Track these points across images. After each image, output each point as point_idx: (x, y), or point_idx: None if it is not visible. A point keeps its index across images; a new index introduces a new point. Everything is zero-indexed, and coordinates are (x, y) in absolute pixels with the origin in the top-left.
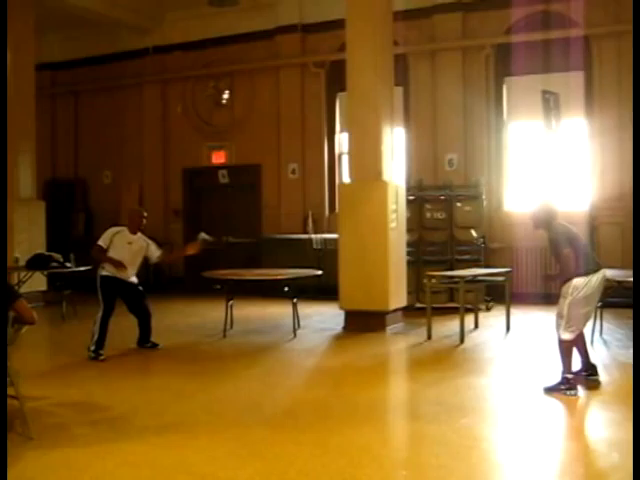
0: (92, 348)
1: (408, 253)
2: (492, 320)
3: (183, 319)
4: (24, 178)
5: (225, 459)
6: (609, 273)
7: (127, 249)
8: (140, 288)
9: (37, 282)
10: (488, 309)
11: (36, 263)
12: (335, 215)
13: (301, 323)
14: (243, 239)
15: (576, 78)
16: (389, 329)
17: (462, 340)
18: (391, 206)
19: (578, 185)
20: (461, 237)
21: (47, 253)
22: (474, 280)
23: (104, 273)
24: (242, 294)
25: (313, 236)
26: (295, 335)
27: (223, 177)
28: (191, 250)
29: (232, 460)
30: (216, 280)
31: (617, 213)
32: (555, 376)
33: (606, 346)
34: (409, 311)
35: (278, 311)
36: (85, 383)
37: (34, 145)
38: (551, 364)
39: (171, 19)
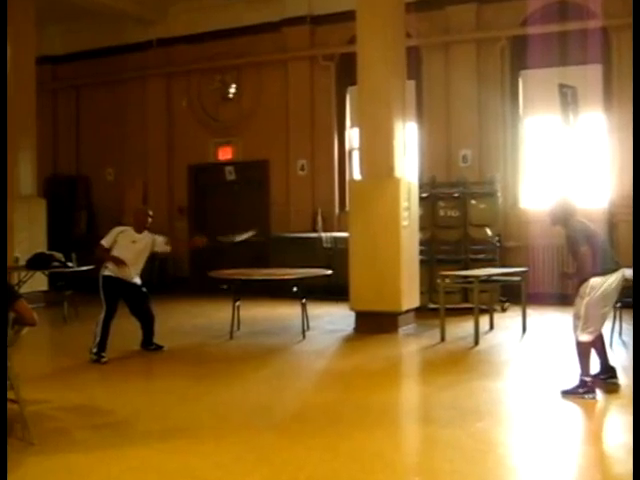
0: (94, 350)
1: (421, 252)
2: (508, 321)
3: (188, 320)
4: (24, 175)
5: (232, 465)
6: (628, 272)
7: (131, 248)
8: (144, 289)
9: (38, 282)
10: (503, 310)
11: (37, 263)
12: (345, 213)
13: (310, 324)
14: (251, 238)
15: (594, 71)
16: (401, 330)
17: (477, 342)
18: (403, 204)
19: (596, 182)
20: (475, 235)
21: (48, 252)
22: (489, 280)
23: (106, 273)
24: (249, 294)
25: (323, 234)
26: (304, 337)
27: (230, 174)
28: (198, 242)
29: (239, 466)
30: (222, 280)
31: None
32: (573, 379)
33: (625, 348)
34: (422, 312)
35: (287, 312)
36: (87, 386)
37: (34, 141)
38: (569, 366)
39: (175, 11)
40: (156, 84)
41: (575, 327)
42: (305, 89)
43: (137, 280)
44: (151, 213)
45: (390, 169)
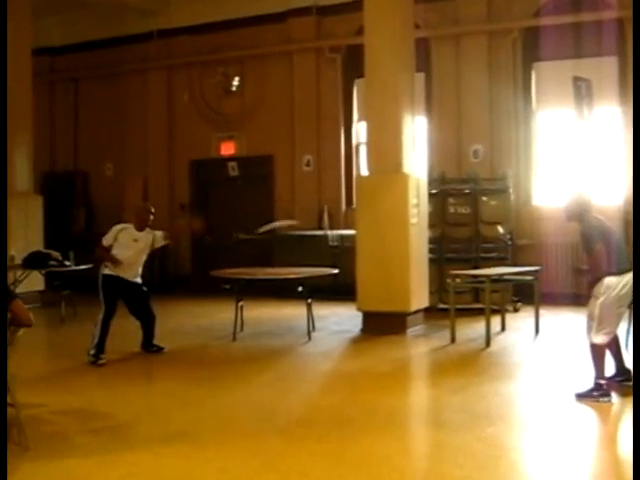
0: (92, 352)
1: (430, 250)
2: (520, 322)
3: (190, 321)
4: (20, 170)
5: (235, 471)
6: None
7: (132, 246)
8: (144, 288)
9: (34, 282)
10: (516, 310)
11: (33, 261)
12: (352, 210)
13: (316, 325)
14: (254, 236)
15: (609, 64)
16: (410, 331)
17: (488, 343)
18: (412, 200)
19: (611, 178)
20: (487, 233)
21: (45, 251)
22: (501, 279)
23: (106, 272)
24: (253, 294)
25: (329, 232)
26: (310, 338)
27: (233, 169)
28: (196, 225)
29: (242, 472)
30: (225, 279)
31: None
32: (587, 382)
33: None
34: (431, 312)
35: (292, 312)
36: (85, 389)
37: (31, 135)
38: (583, 369)
39: (177, 1)
40: (157, 77)
41: (589, 328)
42: (311, 82)
43: (138, 279)
44: (153, 210)
45: (398, 164)
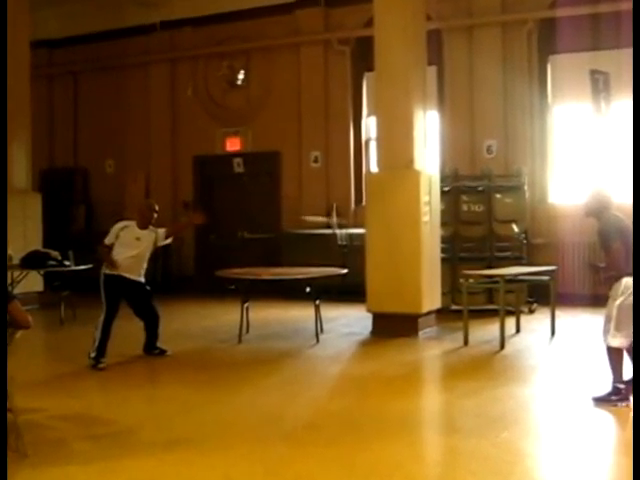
0: (92, 355)
1: (443, 250)
2: (535, 324)
3: (194, 323)
4: (18, 167)
5: (240, 478)
6: None
7: (134, 245)
8: (147, 288)
9: (32, 282)
10: (531, 311)
11: (31, 261)
12: (362, 208)
13: (324, 327)
14: (260, 234)
15: (628, 56)
16: (422, 334)
17: (502, 346)
18: (424, 198)
19: (630, 174)
20: (501, 232)
21: (44, 250)
22: (515, 280)
23: (108, 271)
24: (259, 295)
25: (337, 231)
26: (318, 340)
27: (238, 166)
28: (197, 220)
29: (248, 479)
30: (230, 280)
31: None
32: (605, 385)
33: None
34: (444, 314)
35: (299, 314)
36: (86, 394)
37: (29, 131)
38: (601, 372)
39: None
40: (159, 70)
41: (605, 331)
42: (319, 75)
43: (141, 278)
44: (157, 208)
45: (410, 161)
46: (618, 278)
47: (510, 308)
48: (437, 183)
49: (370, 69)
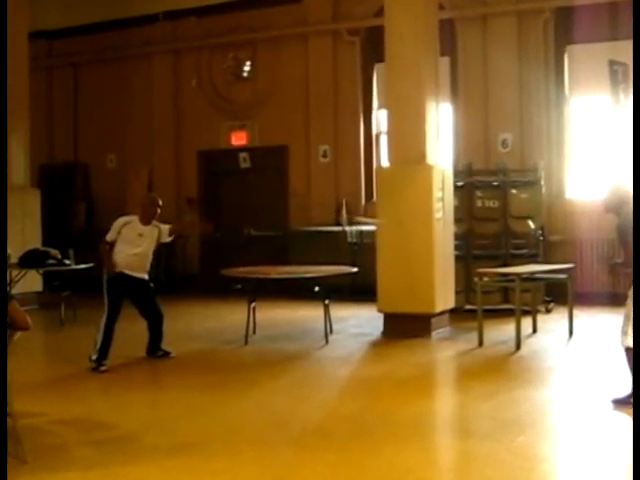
0: (94, 357)
1: (456, 247)
2: (552, 324)
3: (199, 323)
4: (16, 163)
5: None
6: None
7: (138, 242)
8: (151, 285)
9: (31, 282)
10: (548, 311)
11: (30, 260)
12: (372, 204)
13: (334, 328)
14: (267, 232)
15: None
16: (435, 334)
17: (518, 347)
18: (437, 193)
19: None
20: (517, 229)
21: (43, 249)
22: (532, 278)
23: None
24: (266, 295)
25: (347, 228)
26: (327, 341)
27: (244, 161)
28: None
29: None
30: (236, 279)
31: None
32: (625, 387)
33: None
34: (457, 314)
35: (307, 314)
36: (87, 397)
37: (28, 124)
38: (620, 373)
39: None
40: (163, 62)
41: (624, 332)
42: (327, 67)
43: (144, 275)
44: (160, 203)
45: (422, 155)
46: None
47: (526, 308)
48: (450, 178)
49: (380, 60)
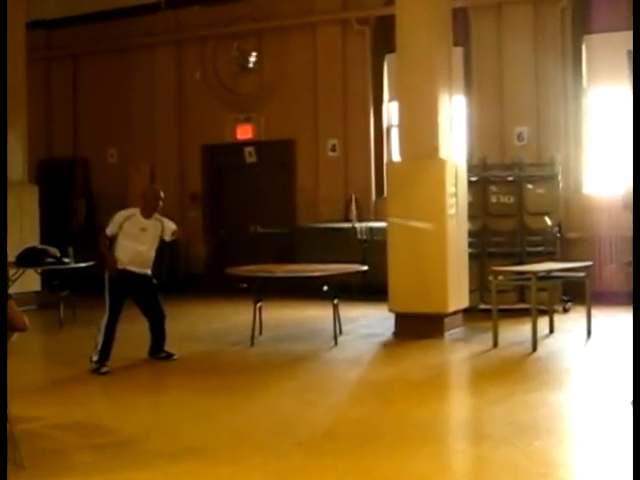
0: (95, 359)
1: (470, 245)
2: (570, 324)
3: (203, 324)
4: (14, 158)
5: None
6: None
7: (140, 238)
8: (154, 281)
9: (29, 281)
10: (565, 311)
11: (28, 259)
12: (383, 200)
13: (343, 328)
14: (274, 229)
15: None
16: (448, 335)
17: (535, 348)
18: (450, 189)
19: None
20: (533, 225)
21: (41, 247)
22: (548, 276)
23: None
24: (273, 294)
25: (357, 225)
26: (336, 343)
27: (250, 155)
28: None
29: None
30: (242, 278)
31: None
32: None
33: None
34: (471, 313)
35: (316, 314)
36: (87, 400)
37: (25, 118)
38: None
39: None
40: (165, 52)
41: None
42: (336, 58)
43: (147, 271)
44: (162, 196)
45: (434, 149)
46: None
47: (543, 307)
48: (464, 173)
49: (391, 51)
